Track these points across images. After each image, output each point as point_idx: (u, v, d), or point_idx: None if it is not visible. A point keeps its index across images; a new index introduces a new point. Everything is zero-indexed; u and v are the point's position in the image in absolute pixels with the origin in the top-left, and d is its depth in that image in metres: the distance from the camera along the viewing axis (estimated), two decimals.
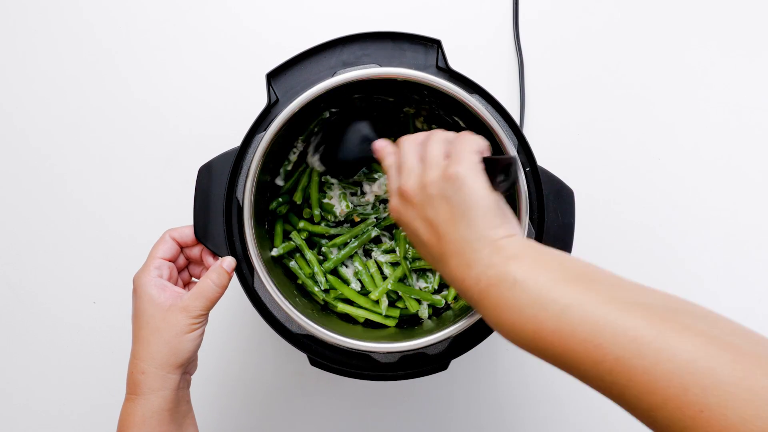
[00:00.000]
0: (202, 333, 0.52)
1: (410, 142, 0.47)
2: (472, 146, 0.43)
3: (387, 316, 0.61)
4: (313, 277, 0.62)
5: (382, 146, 0.50)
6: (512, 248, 0.40)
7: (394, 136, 0.64)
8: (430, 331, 0.54)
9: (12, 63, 0.74)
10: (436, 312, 0.63)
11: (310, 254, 0.62)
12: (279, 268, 0.61)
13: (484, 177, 0.42)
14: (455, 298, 0.62)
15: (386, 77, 0.53)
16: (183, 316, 0.50)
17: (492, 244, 0.40)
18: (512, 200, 0.56)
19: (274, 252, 0.61)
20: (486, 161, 0.43)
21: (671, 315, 0.33)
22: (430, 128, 0.65)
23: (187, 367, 0.52)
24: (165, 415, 0.49)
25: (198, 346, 0.51)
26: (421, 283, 0.63)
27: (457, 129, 0.63)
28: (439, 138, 0.45)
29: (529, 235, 0.54)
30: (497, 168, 0.43)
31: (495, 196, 0.42)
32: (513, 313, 0.37)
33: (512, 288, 0.38)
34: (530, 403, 0.72)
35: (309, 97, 0.53)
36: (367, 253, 0.65)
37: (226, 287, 0.52)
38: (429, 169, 0.43)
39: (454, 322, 0.53)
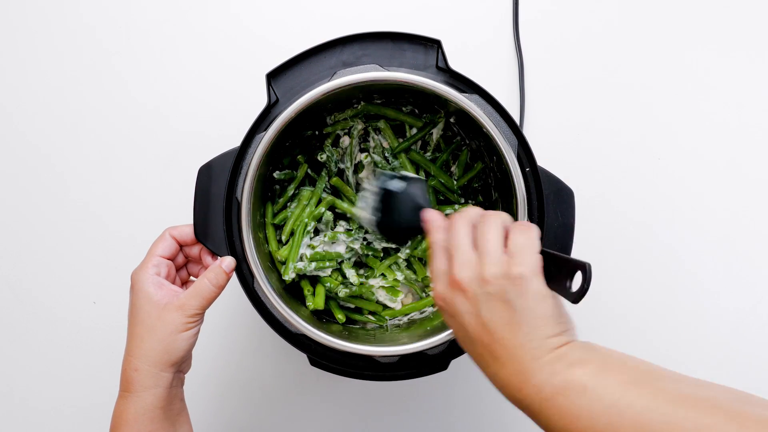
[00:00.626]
0: (197, 332, 0.52)
1: (463, 221, 0.44)
2: (533, 241, 0.41)
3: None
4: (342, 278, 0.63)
5: (432, 218, 0.47)
6: (575, 353, 0.39)
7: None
8: (430, 334, 0.54)
9: (12, 64, 0.74)
10: None
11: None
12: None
13: (543, 278, 0.41)
14: None
15: (386, 81, 0.53)
16: (178, 315, 0.50)
17: (553, 351, 0.39)
18: (510, 202, 0.56)
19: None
20: (547, 256, 0.41)
21: (744, 408, 0.34)
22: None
23: (181, 365, 0.52)
24: (158, 413, 0.49)
25: (192, 345, 0.51)
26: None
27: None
28: (496, 224, 0.43)
29: None
30: (564, 269, 0.40)
31: (555, 299, 0.41)
32: (584, 421, 0.36)
33: (582, 395, 0.37)
34: None
35: (308, 100, 0.53)
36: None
37: (223, 287, 0.52)
38: (489, 264, 0.41)
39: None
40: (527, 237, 0.42)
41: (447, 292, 0.43)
